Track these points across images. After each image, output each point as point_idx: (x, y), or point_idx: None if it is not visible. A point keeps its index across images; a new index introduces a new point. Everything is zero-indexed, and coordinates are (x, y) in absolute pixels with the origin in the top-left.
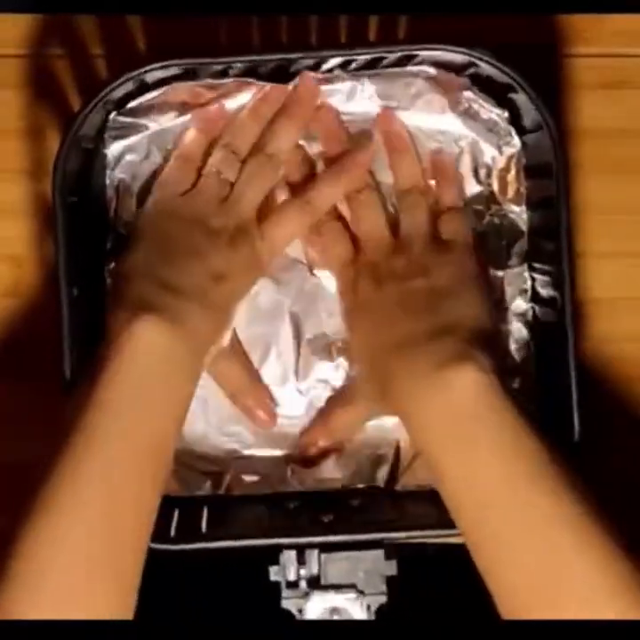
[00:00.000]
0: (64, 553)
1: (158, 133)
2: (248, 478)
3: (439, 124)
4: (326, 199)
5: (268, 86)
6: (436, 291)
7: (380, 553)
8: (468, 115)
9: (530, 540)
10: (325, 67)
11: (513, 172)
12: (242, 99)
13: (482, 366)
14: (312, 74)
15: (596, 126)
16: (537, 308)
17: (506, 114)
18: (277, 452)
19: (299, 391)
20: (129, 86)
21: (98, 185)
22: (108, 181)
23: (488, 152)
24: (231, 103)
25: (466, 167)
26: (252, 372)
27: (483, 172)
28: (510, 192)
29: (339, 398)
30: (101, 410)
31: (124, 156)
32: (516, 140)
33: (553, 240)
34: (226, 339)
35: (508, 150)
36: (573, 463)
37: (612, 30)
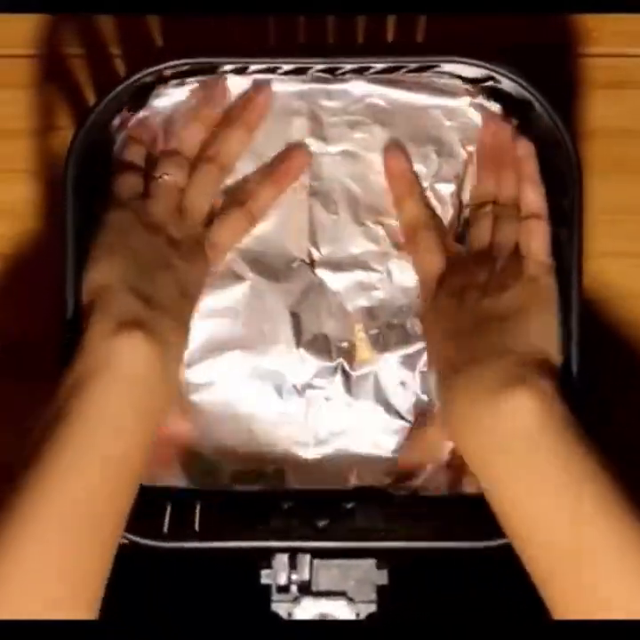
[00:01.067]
0: (33, 553)
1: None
2: (246, 475)
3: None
4: (264, 206)
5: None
6: (507, 310)
7: (372, 562)
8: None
9: (585, 576)
10: (341, 71)
11: None
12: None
13: (538, 392)
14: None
15: (599, 126)
16: None
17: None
18: (274, 449)
19: (297, 390)
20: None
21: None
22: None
23: None
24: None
25: (474, 170)
26: None
27: None
28: None
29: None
30: (79, 422)
31: None
32: None
33: (562, 256)
34: None
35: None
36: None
37: (615, 30)
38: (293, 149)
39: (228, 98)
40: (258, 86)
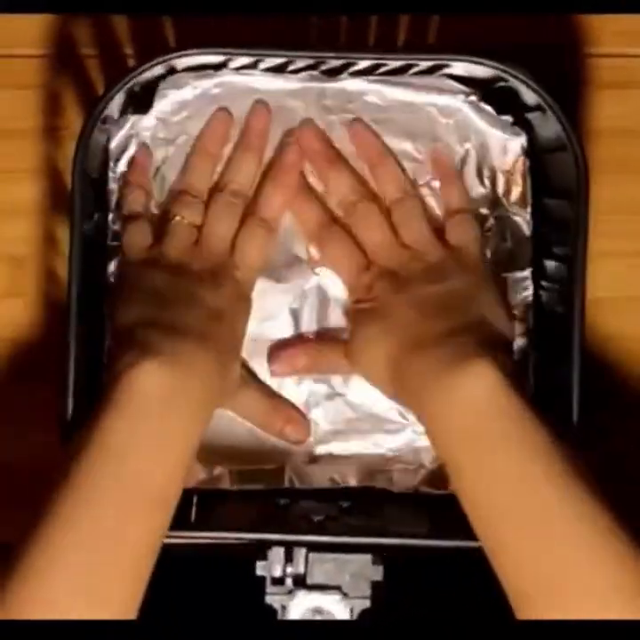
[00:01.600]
0: (68, 555)
1: (161, 127)
2: (243, 473)
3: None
4: (276, 208)
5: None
6: (453, 294)
7: (367, 557)
8: (476, 110)
9: (545, 542)
10: (354, 69)
11: (519, 174)
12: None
13: (500, 365)
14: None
15: (602, 126)
16: (538, 314)
17: (511, 119)
18: (274, 448)
19: (296, 388)
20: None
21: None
22: (110, 174)
23: (494, 153)
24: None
25: (471, 168)
26: (271, 394)
27: (487, 174)
28: (515, 195)
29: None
30: (99, 453)
31: (128, 148)
32: (523, 142)
33: (563, 260)
34: (236, 373)
35: (514, 152)
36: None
37: (616, 30)
38: (285, 145)
39: (232, 122)
40: (257, 107)
